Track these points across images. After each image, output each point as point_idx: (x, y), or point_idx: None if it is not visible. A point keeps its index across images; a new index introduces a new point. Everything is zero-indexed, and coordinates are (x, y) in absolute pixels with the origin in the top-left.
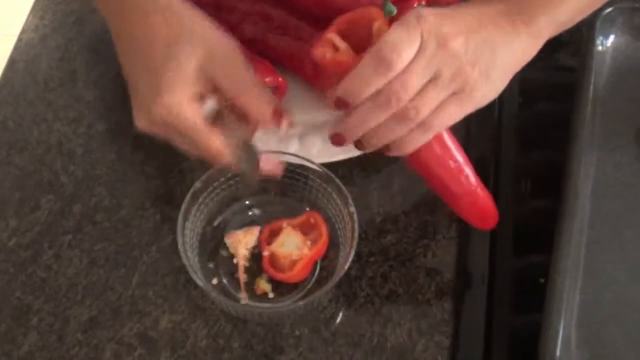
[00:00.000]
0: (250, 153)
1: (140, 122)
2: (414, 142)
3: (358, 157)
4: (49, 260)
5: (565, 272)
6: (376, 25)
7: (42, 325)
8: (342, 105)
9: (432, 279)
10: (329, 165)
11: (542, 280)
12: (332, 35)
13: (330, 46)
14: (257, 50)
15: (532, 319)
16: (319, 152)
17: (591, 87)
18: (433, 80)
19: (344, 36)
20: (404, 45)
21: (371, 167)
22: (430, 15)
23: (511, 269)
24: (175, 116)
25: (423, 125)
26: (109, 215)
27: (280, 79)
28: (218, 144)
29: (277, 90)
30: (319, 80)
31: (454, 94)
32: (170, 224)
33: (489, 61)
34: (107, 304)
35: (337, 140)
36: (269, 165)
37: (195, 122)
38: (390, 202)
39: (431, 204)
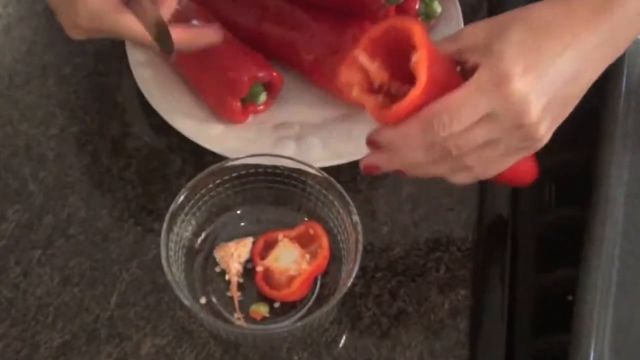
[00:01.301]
0: (164, 31)
1: (73, 33)
2: (460, 180)
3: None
4: (16, 279)
5: (595, 288)
6: (415, 56)
7: (7, 352)
8: (377, 148)
9: (445, 296)
10: (329, 170)
11: (569, 298)
12: (359, 53)
13: (357, 67)
14: (250, 41)
15: (558, 341)
16: (318, 155)
17: (624, 80)
18: (494, 142)
19: (375, 50)
20: (466, 115)
21: None
22: (520, 79)
23: (534, 284)
24: (93, 13)
25: (473, 171)
26: (84, 228)
27: (274, 74)
28: (135, 24)
29: (271, 86)
30: (318, 76)
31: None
32: (153, 236)
33: (563, 114)
34: (82, 327)
35: (370, 170)
36: (182, 34)
37: (109, 9)
38: (399, 211)
39: (444, 213)
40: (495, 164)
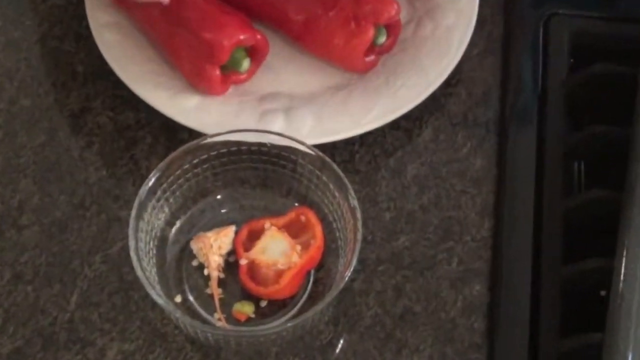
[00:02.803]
0: None
1: None
2: None
3: (362, 137)
4: None
5: (634, 281)
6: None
7: None
8: None
9: (458, 292)
10: (323, 148)
11: (602, 293)
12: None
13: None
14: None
15: (589, 342)
16: (311, 130)
17: None
18: None
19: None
20: None
21: (378, 149)
22: None
23: (561, 277)
24: None
25: None
26: (39, 217)
27: (258, 37)
28: None
29: (255, 51)
30: (309, 39)
31: None
32: (119, 225)
33: None
34: (37, 332)
35: None
36: None
37: None
38: (404, 195)
39: (456, 196)
40: None
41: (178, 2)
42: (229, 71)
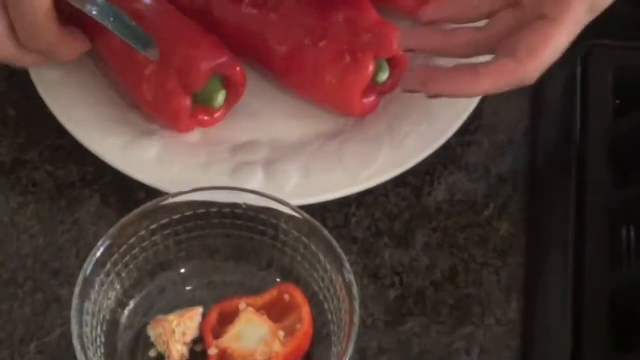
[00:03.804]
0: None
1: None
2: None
3: (359, 197)
4: None
5: None
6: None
7: None
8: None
9: None
10: (312, 210)
11: None
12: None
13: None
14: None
15: None
16: (296, 188)
17: None
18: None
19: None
20: None
21: (380, 211)
22: None
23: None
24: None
25: None
26: None
27: (237, 68)
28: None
29: (231, 86)
30: (294, 75)
31: None
32: (59, 307)
33: None
34: None
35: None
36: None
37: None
38: (412, 268)
39: (476, 270)
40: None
41: (155, 14)
42: (200, 106)
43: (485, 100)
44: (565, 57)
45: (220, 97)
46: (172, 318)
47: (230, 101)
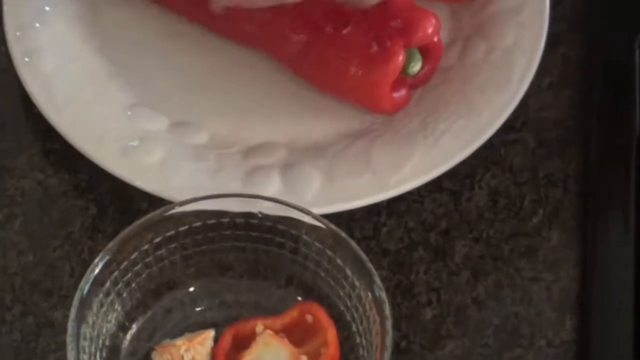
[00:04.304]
0: None
1: None
2: None
3: (390, 204)
4: None
5: None
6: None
7: None
8: None
9: None
10: (336, 218)
11: None
12: None
13: None
14: (198, 16)
15: None
16: (319, 194)
17: None
18: None
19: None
20: None
21: (413, 220)
22: None
23: None
24: None
25: None
26: None
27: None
28: None
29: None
30: (313, 69)
31: None
32: (52, 331)
33: None
34: None
35: None
36: None
37: None
38: (451, 283)
39: (524, 285)
40: None
41: None
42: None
43: (531, 94)
44: (619, 43)
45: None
46: (180, 343)
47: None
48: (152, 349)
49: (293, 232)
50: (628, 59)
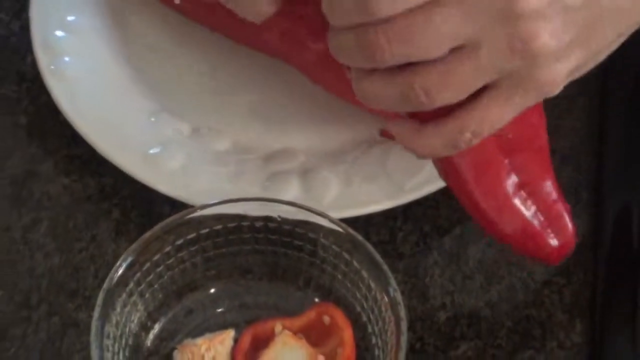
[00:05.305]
0: None
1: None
2: (429, 148)
3: (406, 209)
4: None
5: None
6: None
7: None
8: None
9: None
10: (354, 223)
11: None
12: None
13: None
14: (216, 23)
15: None
16: (336, 199)
17: None
18: (468, 48)
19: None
20: None
21: (429, 224)
22: None
23: None
24: None
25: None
26: None
27: None
28: None
29: None
30: (331, 78)
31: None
32: (77, 331)
33: (591, 34)
34: None
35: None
36: None
37: None
38: (465, 287)
39: (537, 288)
40: (464, 87)
41: None
42: None
43: (548, 101)
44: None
45: None
46: (201, 342)
47: None
48: (174, 349)
49: (311, 235)
50: None
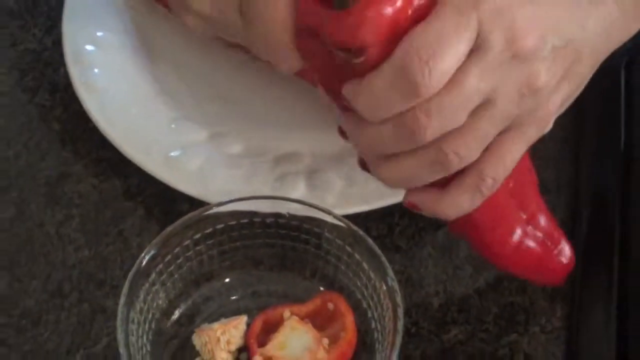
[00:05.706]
0: None
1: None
2: (455, 206)
3: (401, 206)
4: None
5: None
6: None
7: None
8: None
9: None
10: (355, 219)
11: None
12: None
13: None
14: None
15: None
16: (340, 197)
17: None
18: (485, 104)
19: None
20: (447, 49)
21: (424, 220)
22: None
23: None
24: None
25: (462, 158)
26: (6, 307)
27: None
28: None
29: None
30: (332, 83)
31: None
32: (105, 317)
33: (574, 68)
34: None
35: (362, 165)
36: None
37: None
38: (455, 276)
39: (520, 279)
40: (486, 139)
41: None
42: None
43: None
44: (606, 66)
45: None
46: (217, 327)
47: None
48: (192, 332)
49: (317, 230)
50: (613, 83)
